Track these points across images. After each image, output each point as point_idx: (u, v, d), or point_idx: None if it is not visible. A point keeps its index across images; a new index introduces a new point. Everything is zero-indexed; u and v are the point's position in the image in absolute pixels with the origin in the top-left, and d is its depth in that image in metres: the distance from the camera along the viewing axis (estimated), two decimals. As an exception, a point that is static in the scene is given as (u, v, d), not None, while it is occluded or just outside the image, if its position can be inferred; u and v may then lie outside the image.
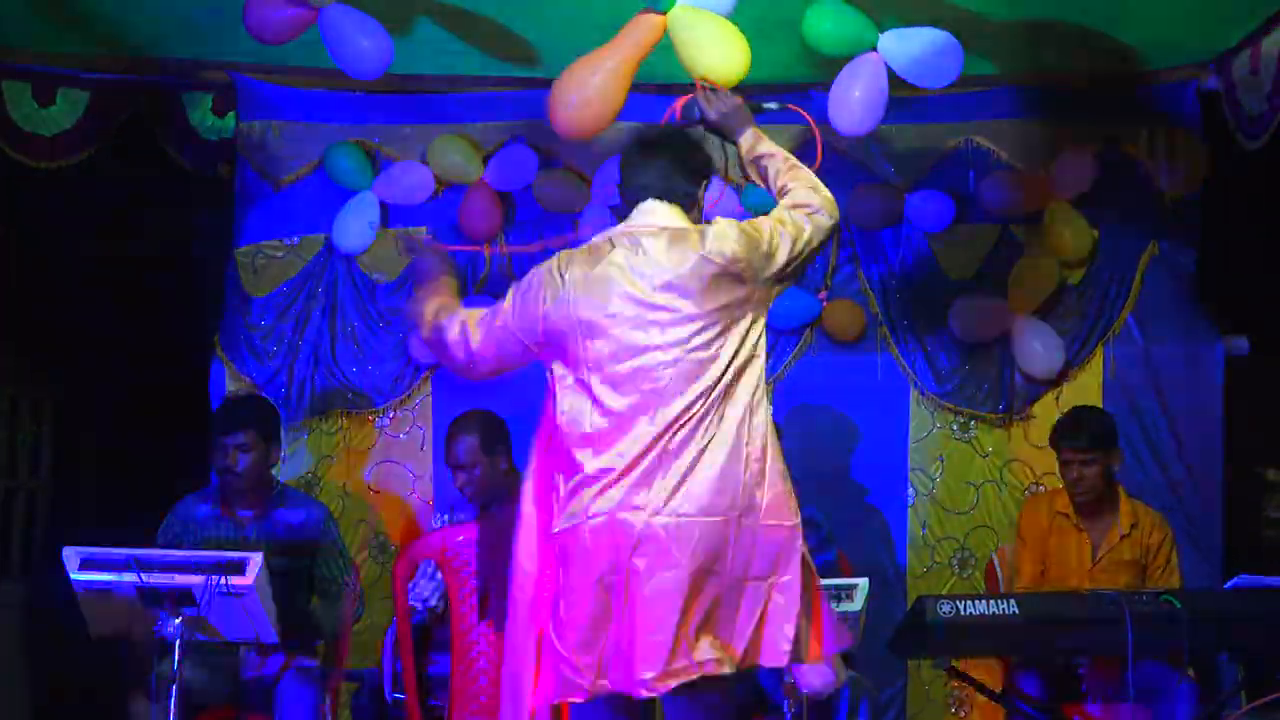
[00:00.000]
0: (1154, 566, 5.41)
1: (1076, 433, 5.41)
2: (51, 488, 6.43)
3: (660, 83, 5.76)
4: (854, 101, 5.36)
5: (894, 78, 5.30)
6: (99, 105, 6.09)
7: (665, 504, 3.58)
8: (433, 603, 5.38)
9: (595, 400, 3.67)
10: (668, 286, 3.67)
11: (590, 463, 3.64)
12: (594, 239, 3.83)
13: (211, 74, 6.20)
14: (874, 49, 5.29)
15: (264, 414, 5.42)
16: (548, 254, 3.86)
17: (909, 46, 5.24)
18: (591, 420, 3.67)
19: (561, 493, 3.70)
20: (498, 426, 5.50)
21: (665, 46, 5.03)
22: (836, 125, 5.46)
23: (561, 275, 3.74)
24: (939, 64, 5.27)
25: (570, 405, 3.71)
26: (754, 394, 3.71)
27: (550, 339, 3.74)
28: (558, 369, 3.76)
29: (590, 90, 4.95)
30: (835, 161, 6.23)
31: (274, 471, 5.49)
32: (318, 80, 6.13)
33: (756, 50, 5.11)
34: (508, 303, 3.82)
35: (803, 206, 3.91)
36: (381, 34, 5.22)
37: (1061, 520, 5.48)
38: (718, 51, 4.98)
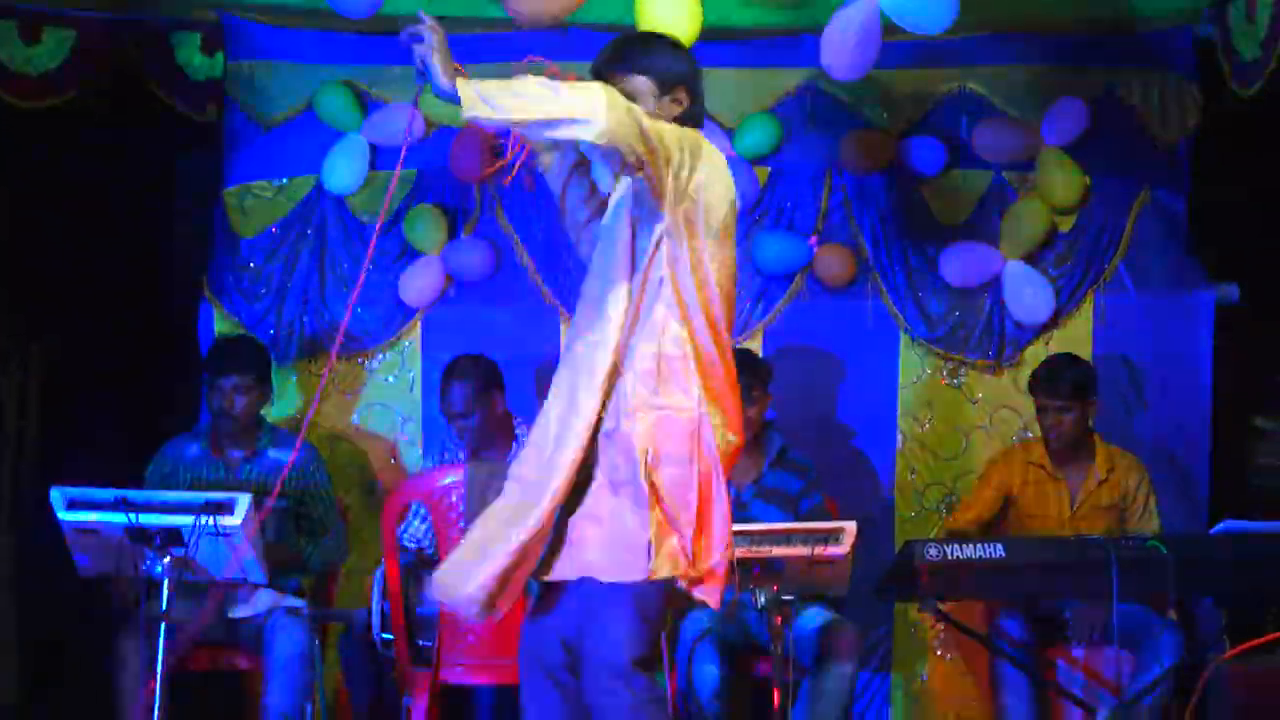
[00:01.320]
0: (1132, 509, 5.46)
1: (1054, 382, 5.45)
2: (40, 429, 6.42)
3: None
4: (847, 45, 5.34)
5: (887, 22, 5.28)
6: (86, 44, 6.04)
7: None
8: (424, 544, 5.41)
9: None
10: None
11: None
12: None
13: (200, 13, 6.16)
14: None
15: (259, 355, 5.47)
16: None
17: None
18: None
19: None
20: (492, 371, 5.51)
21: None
22: (829, 69, 5.45)
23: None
24: (934, 9, 5.24)
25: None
26: None
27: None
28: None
29: None
30: (828, 106, 6.26)
31: (264, 413, 5.52)
32: (307, 20, 6.08)
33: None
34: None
35: None
36: (373, -28, 5.19)
37: (1037, 471, 5.52)
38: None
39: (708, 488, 3.61)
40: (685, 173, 3.60)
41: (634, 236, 3.66)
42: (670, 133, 3.58)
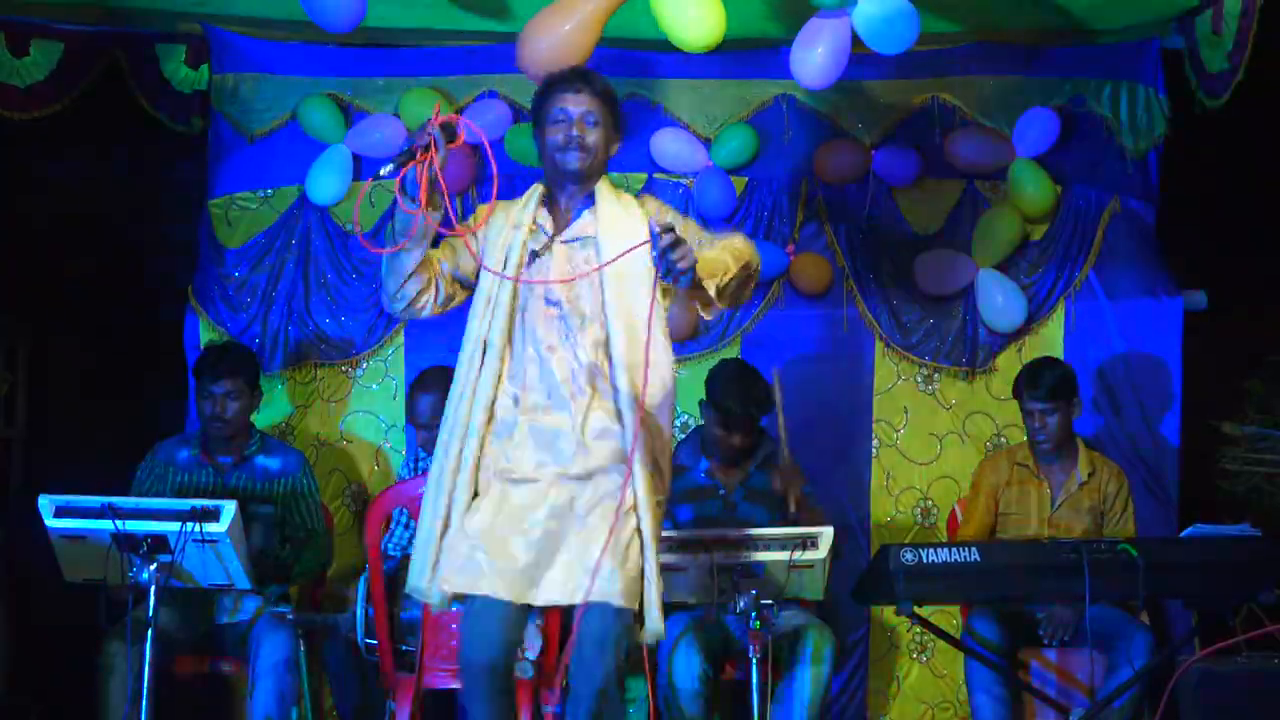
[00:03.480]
0: (1111, 514, 5.53)
1: (1037, 384, 5.52)
2: (26, 437, 6.45)
3: (628, 37, 5.84)
4: (816, 55, 5.40)
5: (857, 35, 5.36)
6: (73, 56, 6.08)
7: None
8: (408, 550, 5.43)
9: None
10: None
11: None
12: None
13: (185, 26, 6.19)
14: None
15: (249, 361, 5.50)
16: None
17: (871, 10, 5.28)
18: None
19: None
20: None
21: (636, 2, 5.09)
22: (799, 79, 5.52)
23: None
24: (896, 31, 5.32)
25: None
26: None
27: None
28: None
29: (560, 37, 4.99)
30: (803, 117, 6.33)
31: (251, 419, 5.56)
32: (291, 33, 6.13)
33: (732, 7, 5.17)
34: None
35: None
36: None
37: (1021, 470, 5.59)
38: (691, 14, 5.03)
39: None
40: None
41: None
42: None
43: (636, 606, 3.81)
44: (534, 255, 3.96)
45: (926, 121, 6.33)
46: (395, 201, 3.82)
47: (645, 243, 3.71)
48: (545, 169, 4.04)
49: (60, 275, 6.30)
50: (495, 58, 6.11)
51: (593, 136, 3.94)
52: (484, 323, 3.93)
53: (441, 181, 3.74)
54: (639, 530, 3.82)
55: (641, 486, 3.82)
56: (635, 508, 3.82)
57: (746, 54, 6.23)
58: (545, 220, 4.00)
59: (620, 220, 3.96)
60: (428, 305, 3.97)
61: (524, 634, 4.06)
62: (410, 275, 3.88)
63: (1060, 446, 5.53)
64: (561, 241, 3.98)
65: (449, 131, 3.75)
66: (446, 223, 3.86)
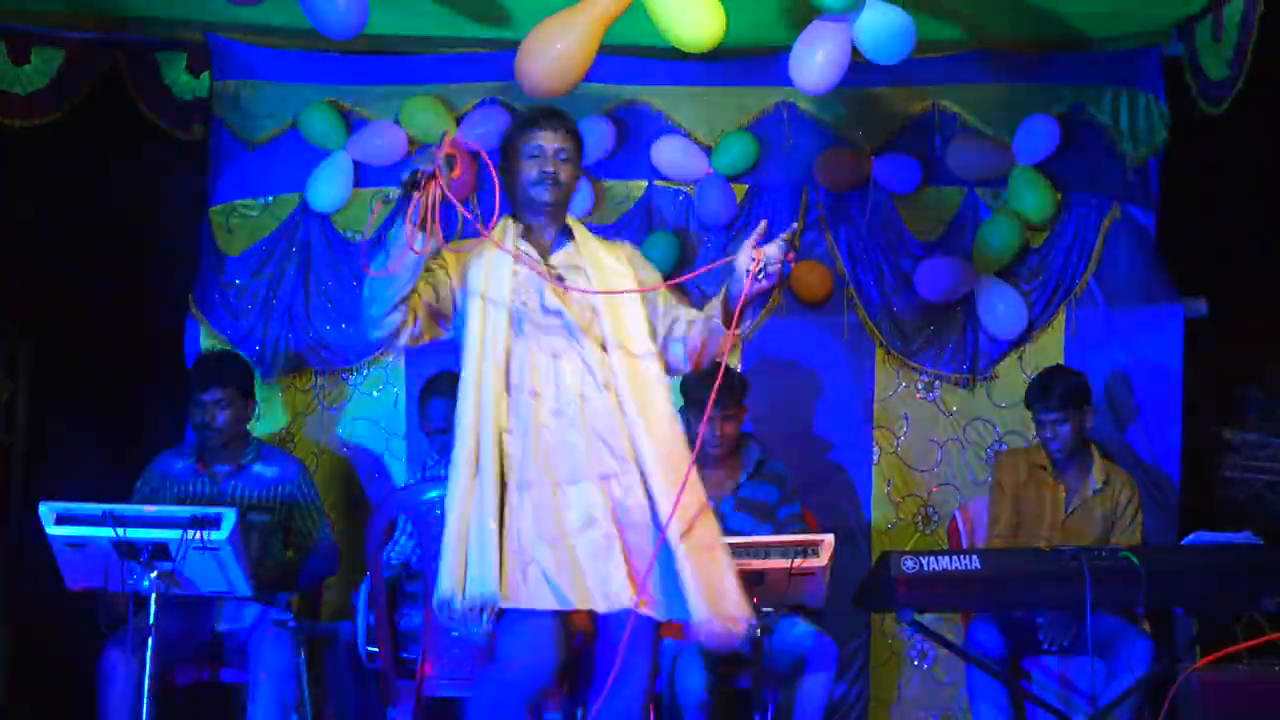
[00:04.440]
0: (1120, 522, 5.52)
1: (1047, 394, 5.51)
2: (27, 443, 6.45)
3: (628, 44, 5.84)
4: (814, 60, 5.41)
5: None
6: (74, 64, 6.10)
7: None
8: (409, 558, 5.44)
9: None
10: None
11: None
12: None
13: (186, 33, 6.20)
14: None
15: (240, 370, 5.49)
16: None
17: (869, 20, 5.28)
18: None
19: None
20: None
21: (635, 9, 5.08)
22: (798, 84, 5.52)
23: None
24: (892, 42, 5.32)
25: None
26: None
27: None
28: None
29: (558, 50, 4.99)
30: (804, 124, 6.34)
31: (249, 427, 5.56)
32: (292, 40, 6.14)
33: (733, 13, 5.16)
34: None
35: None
36: (356, -6, 5.23)
37: (1039, 472, 5.59)
38: (691, 15, 5.03)
39: None
40: None
41: None
42: None
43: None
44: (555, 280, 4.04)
45: (927, 129, 6.34)
46: (388, 220, 3.84)
47: (639, 290, 4.01)
48: (516, 202, 4.11)
49: (61, 283, 6.30)
50: (496, 65, 6.11)
51: (565, 172, 4.07)
52: (487, 331, 3.95)
53: (454, 200, 3.78)
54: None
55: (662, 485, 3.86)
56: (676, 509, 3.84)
57: (747, 61, 6.24)
58: (529, 249, 4.06)
59: (603, 256, 4.10)
60: (404, 336, 3.99)
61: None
62: (398, 304, 3.89)
63: (1074, 454, 5.54)
64: (551, 267, 4.05)
65: (450, 162, 3.81)
66: (470, 232, 3.98)
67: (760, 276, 3.81)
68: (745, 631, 3.81)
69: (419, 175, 3.75)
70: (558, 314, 3.97)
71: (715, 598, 3.77)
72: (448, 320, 4.03)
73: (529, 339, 3.96)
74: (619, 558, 3.80)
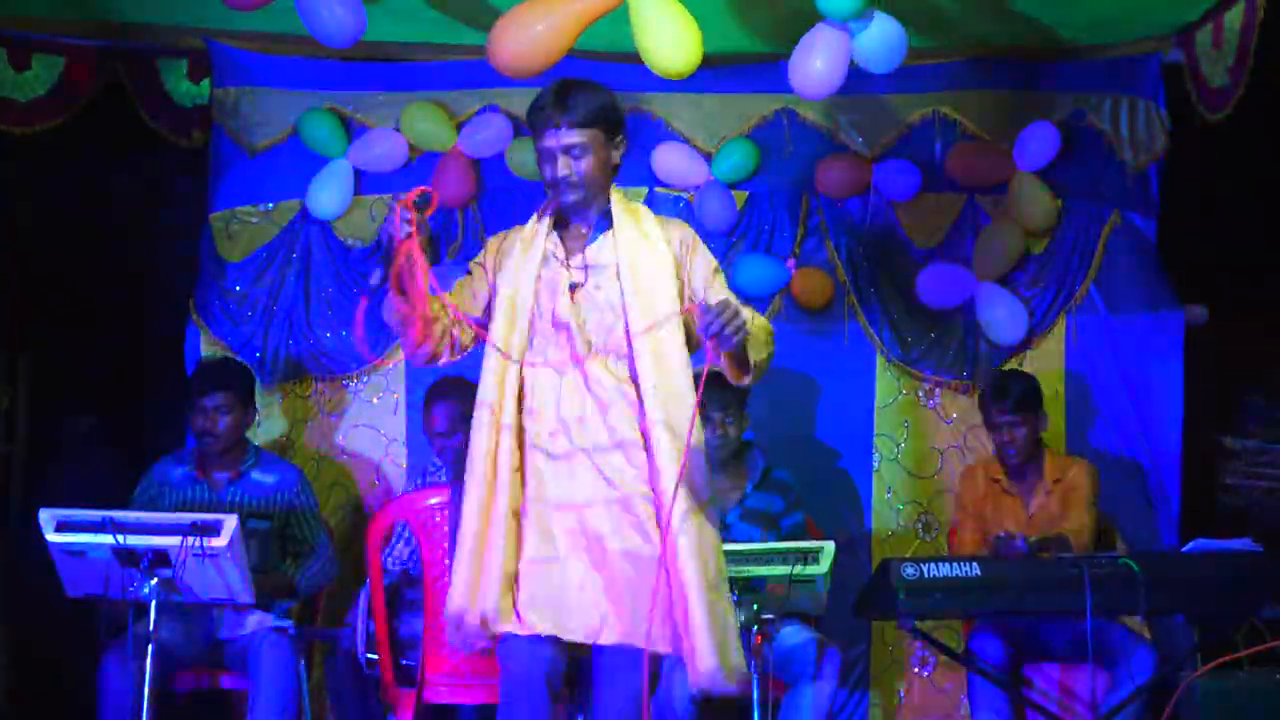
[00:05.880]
0: (1070, 502, 5.50)
1: (1002, 398, 5.52)
2: (27, 452, 6.46)
3: (627, 52, 5.83)
4: (814, 65, 5.40)
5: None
6: (74, 71, 6.10)
7: None
8: (409, 564, 5.44)
9: None
10: None
11: None
12: None
13: (187, 40, 6.20)
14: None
15: (240, 376, 5.49)
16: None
17: (867, 30, 5.28)
18: None
19: None
20: (474, 392, 5.54)
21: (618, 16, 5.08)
22: (798, 89, 5.51)
23: None
24: (883, 51, 5.32)
25: None
26: None
27: None
28: None
29: (532, 36, 4.99)
30: (804, 131, 6.34)
31: (248, 434, 5.56)
32: (292, 47, 6.14)
33: (731, 22, 5.16)
34: None
35: None
36: (355, 1, 5.22)
37: (994, 486, 5.59)
38: (668, 33, 5.02)
39: None
40: None
41: None
42: None
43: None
44: (572, 288, 3.95)
45: (927, 136, 6.34)
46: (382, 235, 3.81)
47: (674, 315, 3.84)
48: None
49: (61, 289, 6.31)
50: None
51: (581, 167, 3.88)
52: (504, 343, 3.91)
53: (422, 260, 3.70)
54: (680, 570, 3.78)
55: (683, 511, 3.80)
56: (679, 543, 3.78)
57: (747, 68, 6.24)
58: (556, 247, 3.97)
59: (640, 250, 3.92)
60: (444, 358, 4.00)
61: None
62: (420, 344, 3.91)
63: (1029, 459, 5.53)
64: (576, 268, 3.95)
65: (422, 203, 3.70)
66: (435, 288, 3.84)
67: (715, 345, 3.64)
68: (739, 685, 3.80)
69: (393, 245, 3.67)
70: (565, 328, 3.89)
71: (724, 651, 3.76)
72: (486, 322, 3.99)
73: (536, 352, 3.91)
74: (600, 587, 3.76)
